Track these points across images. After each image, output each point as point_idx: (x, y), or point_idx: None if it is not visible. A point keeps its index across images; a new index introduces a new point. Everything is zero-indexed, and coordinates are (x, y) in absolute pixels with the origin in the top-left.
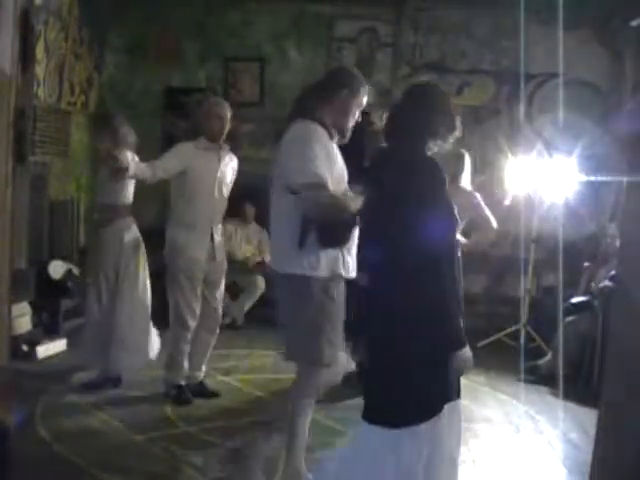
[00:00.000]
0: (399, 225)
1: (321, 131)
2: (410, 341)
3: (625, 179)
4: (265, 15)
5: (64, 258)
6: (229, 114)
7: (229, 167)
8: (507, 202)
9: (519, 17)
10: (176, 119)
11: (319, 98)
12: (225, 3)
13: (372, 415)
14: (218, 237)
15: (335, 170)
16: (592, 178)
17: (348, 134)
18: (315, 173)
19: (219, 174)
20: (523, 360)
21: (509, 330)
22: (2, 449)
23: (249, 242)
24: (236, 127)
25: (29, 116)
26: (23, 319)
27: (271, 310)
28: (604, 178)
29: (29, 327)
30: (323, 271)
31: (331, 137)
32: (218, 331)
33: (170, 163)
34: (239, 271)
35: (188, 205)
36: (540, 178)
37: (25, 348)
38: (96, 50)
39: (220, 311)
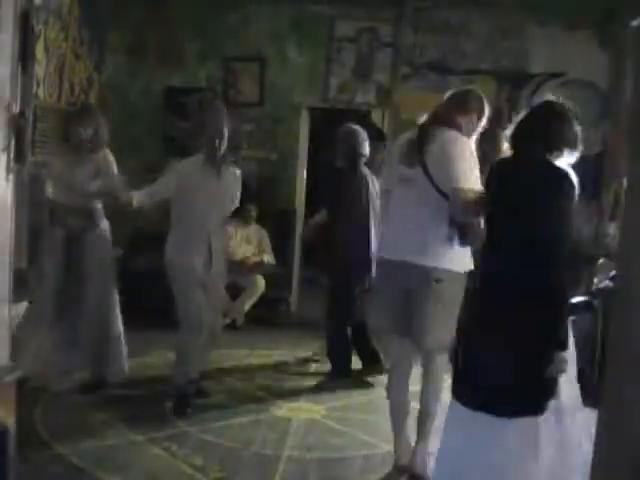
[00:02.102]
0: (533, 230)
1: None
2: (526, 337)
3: (625, 179)
4: (265, 15)
5: None
6: (226, 126)
7: (230, 183)
8: None
9: (519, 17)
10: (176, 119)
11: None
12: (225, 3)
13: (484, 404)
14: (216, 245)
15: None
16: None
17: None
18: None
19: (216, 191)
20: None
21: None
22: (2, 449)
23: (249, 242)
24: (236, 127)
25: (29, 116)
26: None
27: (271, 310)
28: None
29: None
30: (464, 266)
31: None
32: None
33: (166, 186)
34: (239, 271)
35: (184, 220)
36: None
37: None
38: (96, 50)
39: (220, 320)
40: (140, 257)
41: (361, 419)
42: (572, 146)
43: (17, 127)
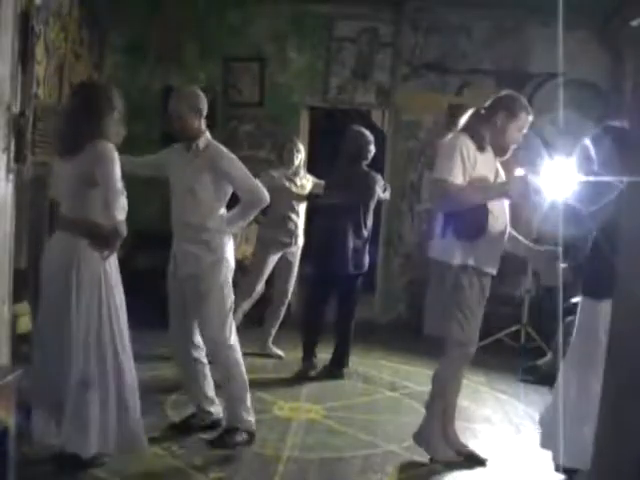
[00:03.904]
0: None
1: (465, 140)
2: None
3: (625, 179)
4: (265, 15)
5: None
6: (182, 107)
7: (200, 164)
8: (507, 202)
9: (519, 17)
10: None
11: (482, 119)
12: (225, 3)
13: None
14: (180, 246)
15: (476, 174)
16: (592, 178)
17: (508, 153)
18: (442, 172)
19: (182, 173)
20: (523, 360)
21: (509, 330)
22: (2, 449)
23: (249, 242)
24: (236, 127)
25: (29, 116)
26: (23, 319)
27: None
28: (604, 178)
29: (29, 327)
30: (455, 260)
31: (480, 149)
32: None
33: (147, 161)
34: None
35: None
36: (540, 178)
37: (25, 348)
38: (96, 50)
39: (214, 346)
40: (140, 257)
41: (361, 419)
42: None
43: (17, 127)
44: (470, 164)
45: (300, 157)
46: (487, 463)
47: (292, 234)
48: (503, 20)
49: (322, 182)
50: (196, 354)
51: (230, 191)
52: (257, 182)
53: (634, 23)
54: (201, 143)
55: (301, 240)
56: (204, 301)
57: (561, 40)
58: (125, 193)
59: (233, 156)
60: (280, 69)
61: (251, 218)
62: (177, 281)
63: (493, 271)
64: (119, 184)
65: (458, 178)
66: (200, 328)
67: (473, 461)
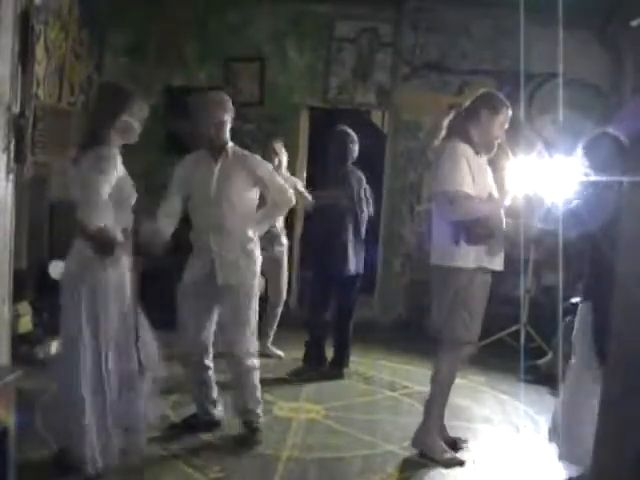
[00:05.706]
0: None
1: (466, 148)
2: None
3: (625, 179)
4: (265, 15)
5: (64, 258)
6: (221, 113)
7: (233, 170)
8: (507, 202)
9: (519, 17)
10: (177, 119)
11: (466, 120)
12: (225, 3)
13: None
14: (222, 255)
15: (478, 179)
16: (592, 178)
17: (494, 149)
18: (454, 183)
19: (216, 182)
20: (523, 360)
21: (509, 330)
22: (2, 449)
23: None
24: (236, 127)
25: (29, 116)
26: (23, 319)
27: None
28: (604, 178)
29: (29, 327)
30: (468, 263)
31: (477, 152)
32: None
33: (176, 201)
34: None
35: (193, 221)
36: (540, 178)
37: (25, 348)
38: (96, 50)
39: (242, 353)
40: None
41: (361, 419)
42: None
43: (17, 127)
44: (474, 171)
45: (277, 159)
46: (487, 463)
47: (273, 235)
48: (503, 20)
49: (305, 191)
50: (208, 359)
51: (258, 194)
52: (284, 182)
53: (634, 23)
54: (229, 149)
55: (284, 239)
56: (244, 309)
57: (561, 40)
58: (132, 205)
59: (260, 158)
60: (280, 69)
61: (276, 219)
62: (214, 289)
63: (501, 267)
64: (101, 197)
65: (470, 188)
66: (232, 334)
67: (456, 448)
